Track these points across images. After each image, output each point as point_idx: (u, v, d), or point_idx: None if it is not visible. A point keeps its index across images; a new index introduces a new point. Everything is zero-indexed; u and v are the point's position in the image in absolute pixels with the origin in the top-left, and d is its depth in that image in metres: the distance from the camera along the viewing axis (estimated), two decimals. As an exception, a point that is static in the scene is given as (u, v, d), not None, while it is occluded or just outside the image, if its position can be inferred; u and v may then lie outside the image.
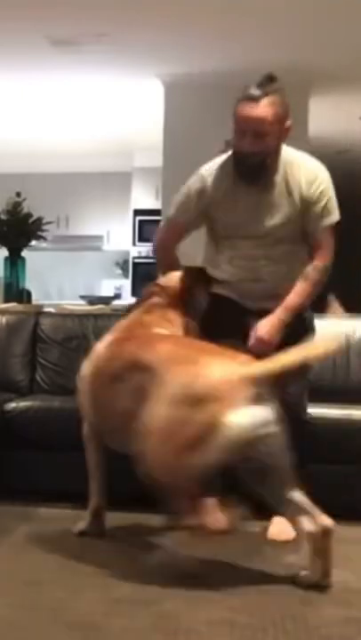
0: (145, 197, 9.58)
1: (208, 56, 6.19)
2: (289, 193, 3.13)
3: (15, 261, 6.45)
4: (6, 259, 6.49)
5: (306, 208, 3.13)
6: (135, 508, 3.53)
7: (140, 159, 9.40)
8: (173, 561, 2.88)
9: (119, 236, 9.99)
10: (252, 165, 3.10)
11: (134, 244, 9.68)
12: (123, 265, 10.10)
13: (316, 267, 3.17)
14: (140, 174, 9.60)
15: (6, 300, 6.24)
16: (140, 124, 8.02)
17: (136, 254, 9.66)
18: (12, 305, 5.75)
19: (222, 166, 3.26)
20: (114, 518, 3.44)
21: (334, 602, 2.53)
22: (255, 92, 3.13)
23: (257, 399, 2.58)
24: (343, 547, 3.13)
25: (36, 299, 7.18)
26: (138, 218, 9.65)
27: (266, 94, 3.11)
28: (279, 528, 3.16)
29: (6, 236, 6.42)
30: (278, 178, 3.13)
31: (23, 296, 6.49)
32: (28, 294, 6.72)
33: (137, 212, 9.67)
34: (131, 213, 9.74)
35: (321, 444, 3.54)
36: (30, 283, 6.92)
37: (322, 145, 8.05)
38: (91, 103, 7.50)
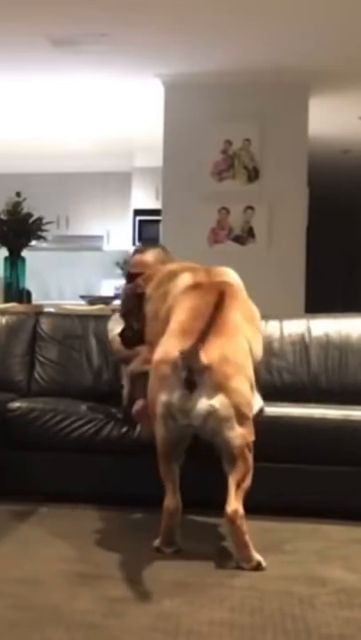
0: (145, 197, 9.59)
1: (208, 56, 6.19)
2: None
3: (15, 261, 6.44)
4: (6, 259, 6.49)
5: None
6: (135, 508, 3.53)
7: (140, 159, 9.40)
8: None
9: (119, 236, 10.00)
10: None
11: (134, 244, 9.67)
12: (123, 265, 10.09)
13: None
14: (140, 174, 9.61)
15: (6, 300, 6.23)
16: (140, 124, 8.02)
17: (136, 254, 9.64)
18: (11, 305, 5.75)
19: None
20: (113, 518, 3.44)
21: (334, 602, 2.53)
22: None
23: None
24: (343, 547, 3.14)
25: (36, 299, 7.18)
26: (138, 218, 9.65)
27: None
28: None
29: (6, 235, 6.41)
30: None
31: (23, 296, 6.49)
32: (28, 294, 6.72)
33: (137, 212, 9.67)
34: (131, 213, 9.74)
35: (320, 445, 3.54)
36: (30, 283, 6.92)
37: (321, 145, 8.06)
38: (91, 103, 7.50)
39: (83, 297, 8.59)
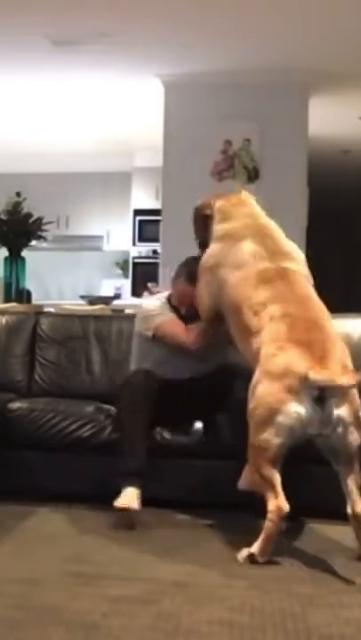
0: (145, 197, 9.59)
1: (208, 56, 6.19)
2: None
3: (15, 261, 6.44)
4: (6, 259, 6.49)
5: None
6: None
7: (140, 159, 9.40)
8: None
9: (119, 236, 9.99)
10: None
11: (134, 243, 9.68)
12: (123, 265, 10.10)
13: None
14: (140, 174, 9.60)
15: (6, 300, 6.24)
16: (140, 124, 8.02)
17: (136, 254, 9.66)
18: (11, 305, 5.75)
19: None
20: (113, 518, 3.44)
21: (334, 602, 2.53)
22: None
23: None
24: (343, 547, 3.13)
25: (35, 299, 7.18)
26: (138, 218, 9.65)
27: None
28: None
29: (6, 235, 6.41)
30: None
31: (23, 296, 6.49)
32: (28, 294, 6.72)
33: (137, 212, 9.67)
34: (131, 213, 9.74)
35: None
36: (30, 283, 6.92)
37: (321, 145, 8.06)
38: (91, 103, 7.50)
39: (83, 297, 8.58)
